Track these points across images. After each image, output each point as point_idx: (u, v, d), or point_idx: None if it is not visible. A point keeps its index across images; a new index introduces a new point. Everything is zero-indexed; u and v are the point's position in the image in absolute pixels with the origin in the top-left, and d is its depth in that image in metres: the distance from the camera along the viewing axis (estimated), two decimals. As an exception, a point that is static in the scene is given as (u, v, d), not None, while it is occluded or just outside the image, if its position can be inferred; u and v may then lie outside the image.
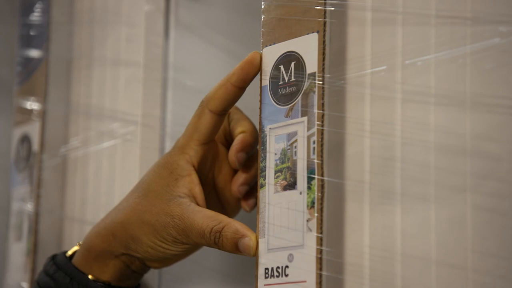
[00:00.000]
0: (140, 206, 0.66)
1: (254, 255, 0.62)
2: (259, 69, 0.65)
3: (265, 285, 0.62)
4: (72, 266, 0.68)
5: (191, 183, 0.66)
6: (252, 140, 0.69)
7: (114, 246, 0.66)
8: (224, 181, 0.70)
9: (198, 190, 0.66)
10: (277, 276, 0.61)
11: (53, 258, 0.70)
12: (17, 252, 0.99)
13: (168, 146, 0.86)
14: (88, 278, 0.67)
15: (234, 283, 0.80)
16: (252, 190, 0.70)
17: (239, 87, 0.65)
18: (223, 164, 0.70)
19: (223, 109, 0.66)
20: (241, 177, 0.69)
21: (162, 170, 0.66)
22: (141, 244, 0.65)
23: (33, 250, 0.96)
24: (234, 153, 0.68)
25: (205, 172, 0.69)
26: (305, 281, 0.59)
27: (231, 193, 0.69)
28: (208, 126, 0.66)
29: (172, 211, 0.64)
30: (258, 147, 0.64)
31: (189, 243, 0.64)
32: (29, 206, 0.97)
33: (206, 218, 0.63)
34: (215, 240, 0.62)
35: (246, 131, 0.68)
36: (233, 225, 0.62)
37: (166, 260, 0.69)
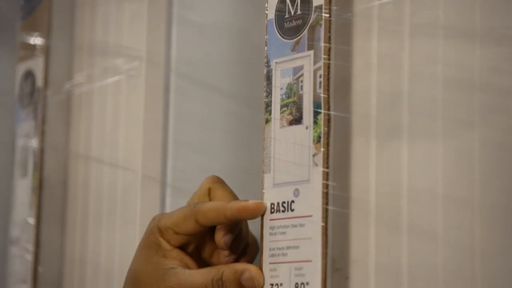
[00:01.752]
0: None
1: (260, 286, 0.61)
2: (255, 217, 0.63)
3: (270, 220, 0.62)
4: None
5: (179, 254, 0.64)
6: (240, 229, 0.65)
7: None
8: (210, 251, 0.67)
9: (188, 259, 0.65)
10: (283, 211, 0.61)
11: None
12: (23, 188, 1.00)
13: (173, 82, 0.86)
14: None
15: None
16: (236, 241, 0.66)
17: (231, 220, 0.63)
18: (206, 237, 0.67)
19: (207, 226, 0.64)
20: (224, 228, 0.65)
21: (147, 251, 0.65)
22: None
23: (39, 186, 0.96)
24: (220, 237, 0.64)
25: (189, 249, 0.66)
26: (311, 216, 0.58)
27: (219, 257, 0.66)
28: (188, 231, 0.64)
29: (169, 283, 0.62)
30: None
31: None
32: (34, 143, 0.97)
33: (204, 274, 0.62)
34: None
35: None
36: (231, 266, 0.61)
37: None
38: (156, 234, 0.64)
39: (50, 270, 0.96)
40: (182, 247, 0.65)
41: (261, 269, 0.62)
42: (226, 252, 0.65)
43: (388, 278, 0.57)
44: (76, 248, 0.95)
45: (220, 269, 0.61)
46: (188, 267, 0.63)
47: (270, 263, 0.61)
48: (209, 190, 0.66)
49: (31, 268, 0.94)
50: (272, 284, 0.61)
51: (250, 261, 0.65)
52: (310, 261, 0.58)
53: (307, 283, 0.58)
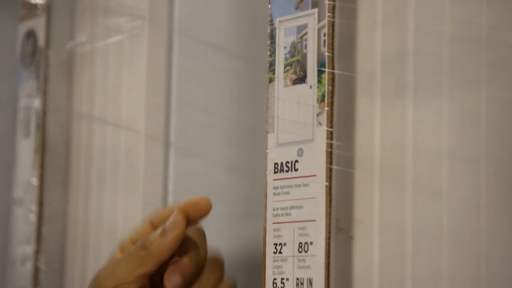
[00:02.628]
0: None
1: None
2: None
3: (274, 180, 0.61)
4: None
5: None
6: (191, 265, 0.62)
7: None
8: None
9: None
10: (287, 171, 0.60)
11: None
12: (25, 149, 0.99)
13: (176, 41, 0.85)
14: None
15: (244, 176, 0.79)
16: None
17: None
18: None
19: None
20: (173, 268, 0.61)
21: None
22: None
23: (41, 147, 0.96)
24: (167, 278, 0.60)
25: None
26: (315, 175, 0.58)
27: None
28: (145, 235, 0.62)
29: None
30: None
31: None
32: (36, 103, 0.97)
33: None
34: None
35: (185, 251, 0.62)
36: None
37: None
38: (116, 252, 0.64)
39: (54, 230, 0.96)
40: None
41: (264, 229, 0.62)
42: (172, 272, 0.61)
43: (393, 237, 0.57)
44: (80, 208, 0.95)
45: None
46: None
47: (273, 223, 0.61)
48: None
49: (35, 228, 0.94)
50: (275, 244, 0.60)
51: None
52: (314, 220, 0.58)
53: (311, 243, 0.58)
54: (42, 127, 0.96)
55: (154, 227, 0.63)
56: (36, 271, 0.94)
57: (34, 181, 0.96)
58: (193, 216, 0.62)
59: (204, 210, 0.62)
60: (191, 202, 0.62)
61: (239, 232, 0.78)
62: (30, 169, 0.97)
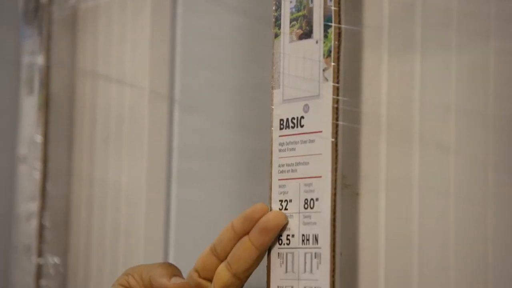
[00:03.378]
0: None
1: None
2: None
3: (280, 136, 0.61)
4: None
5: None
6: None
7: None
8: None
9: None
10: (292, 127, 0.60)
11: None
12: (29, 106, 0.99)
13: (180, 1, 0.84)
14: None
15: (249, 133, 0.79)
16: None
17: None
18: None
19: None
20: None
21: None
22: None
23: (45, 104, 0.95)
24: None
25: None
26: (321, 131, 0.58)
27: None
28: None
29: None
30: None
31: None
32: (40, 60, 0.96)
33: None
34: None
35: None
36: None
37: None
38: None
39: (58, 187, 0.96)
40: None
41: (270, 186, 0.61)
42: None
43: (399, 193, 0.57)
44: (84, 165, 0.95)
45: None
46: None
47: (279, 180, 0.61)
48: None
49: (39, 185, 0.94)
50: (281, 201, 0.60)
51: None
52: (320, 177, 0.58)
53: (317, 199, 0.58)
54: (45, 84, 0.95)
55: (216, 255, 0.61)
56: (41, 228, 0.94)
57: (38, 138, 0.95)
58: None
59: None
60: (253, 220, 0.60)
61: (244, 189, 0.78)
62: (34, 126, 0.97)
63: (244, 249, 0.59)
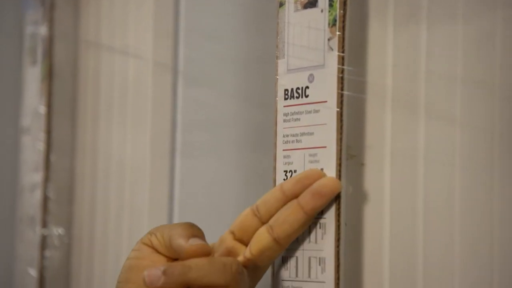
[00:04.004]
0: None
1: None
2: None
3: (284, 106, 0.61)
4: None
5: None
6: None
7: None
8: None
9: None
10: (297, 97, 0.60)
11: None
12: (32, 77, 0.99)
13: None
14: None
15: (253, 104, 0.79)
16: None
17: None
18: None
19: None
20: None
21: None
22: None
23: (48, 75, 0.95)
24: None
25: None
26: (325, 101, 0.57)
27: None
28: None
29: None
30: None
31: None
32: (43, 30, 0.95)
33: None
34: None
35: None
36: None
37: None
38: None
39: (62, 158, 0.96)
40: None
41: (275, 157, 0.61)
42: None
43: (404, 164, 0.57)
44: (88, 136, 0.95)
45: None
46: None
47: (283, 150, 0.60)
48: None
49: (43, 156, 0.94)
50: (286, 171, 0.60)
51: None
52: (324, 147, 0.57)
53: (322, 169, 0.57)
54: (49, 55, 0.95)
55: (258, 216, 0.58)
56: (45, 199, 0.94)
57: (42, 109, 0.95)
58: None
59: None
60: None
61: (249, 161, 0.77)
62: (37, 97, 0.96)
63: (292, 212, 0.56)
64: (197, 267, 0.54)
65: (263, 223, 0.57)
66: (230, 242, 0.59)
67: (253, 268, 0.58)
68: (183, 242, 0.56)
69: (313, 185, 0.56)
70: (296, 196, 0.56)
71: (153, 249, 0.58)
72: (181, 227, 0.57)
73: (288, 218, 0.56)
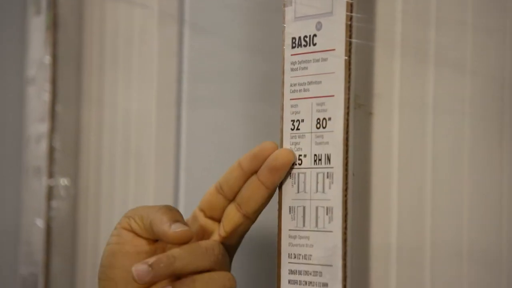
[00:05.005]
0: None
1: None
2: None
3: (292, 55, 0.60)
4: None
5: None
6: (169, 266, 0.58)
7: None
8: None
9: None
10: (305, 46, 0.59)
11: None
12: (37, 27, 0.98)
13: None
14: None
15: (260, 53, 0.78)
16: None
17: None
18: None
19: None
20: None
21: None
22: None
23: (53, 24, 0.94)
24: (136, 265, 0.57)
25: None
26: (334, 49, 0.57)
27: None
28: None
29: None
30: None
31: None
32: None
33: None
34: None
35: None
36: None
37: None
38: None
39: (68, 109, 0.96)
40: None
41: (282, 106, 0.60)
42: None
43: (413, 112, 0.56)
44: (93, 87, 0.95)
45: None
46: None
47: (291, 99, 0.60)
48: None
49: (49, 107, 0.94)
50: (293, 121, 0.59)
51: None
52: (332, 96, 0.57)
53: (329, 119, 0.57)
54: (53, 4, 0.94)
55: (223, 194, 0.60)
56: (51, 150, 0.94)
57: (47, 59, 0.95)
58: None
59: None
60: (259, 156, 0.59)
61: (256, 112, 0.77)
62: (42, 47, 0.96)
63: (254, 189, 0.59)
64: (181, 256, 0.56)
65: (229, 200, 0.60)
66: (202, 220, 0.62)
67: (227, 246, 0.61)
68: (166, 228, 0.57)
69: (268, 160, 0.58)
70: (255, 171, 0.59)
71: (134, 233, 0.60)
72: (161, 212, 0.58)
73: (252, 195, 0.59)
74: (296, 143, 0.59)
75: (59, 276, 0.94)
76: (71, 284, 0.94)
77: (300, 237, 0.57)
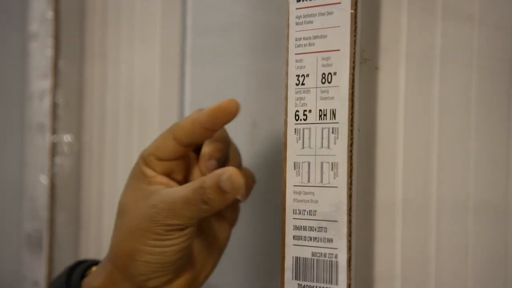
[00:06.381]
0: (124, 221, 0.61)
1: (240, 190, 0.56)
2: (231, 118, 0.59)
3: (297, 8, 0.59)
4: None
5: (165, 179, 0.62)
6: (223, 145, 0.63)
7: (116, 278, 0.61)
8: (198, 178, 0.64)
9: (174, 184, 0.62)
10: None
11: (68, 276, 0.66)
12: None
13: None
14: None
15: (264, 6, 0.77)
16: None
17: (207, 128, 0.59)
18: (193, 165, 0.64)
19: (187, 143, 0.61)
20: (206, 150, 0.63)
21: (132, 182, 0.62)
22: (138, 256, 0.59)
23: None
24: (204, 162, 0.62)
25: (177, 177, 0.63)
26: (339, 3, 0.56)
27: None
28: (169, 152, 0.61)
29: (152, 202, 0.59)
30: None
31: (181, 223, 0.58)
32: None
33: (186, 186, 0.58)
34: (202, 198, 0.57)
35: (216, 136, 0.63)
36: (212, 173, 0.57)
37: (176, 273, 0.62)
38: (140, 164, 0.62)
39: (71, 64, 0.95)
40: (170, 175, 0.63)
41: (287, 61, 0.60)
42: (206, 156, 0.63)
43: (420, 66, 0.55)
44: (96, 41, 0.94)
45: (201, 179, 0.58)
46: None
47: (296, 54, 0.59)
48: None
49: (51, 63, 0.93)
50: (298, 75, 0.59)
51: None
52: (338, 50, 0.56)
53: (335, 73, 0.56)
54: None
55: (177, 141, 0.61)
56: (54, 106, 0.94)
57: (49, 14, 0.94)
58: (220, 122, 0.60)
59: (231, 114, 0.59)
60: (217, 109, 0.59)
61: (260, 66, 0.76)
62: (44, 2, 0.95)
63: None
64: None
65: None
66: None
67: None
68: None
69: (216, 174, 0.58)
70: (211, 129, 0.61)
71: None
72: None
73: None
74: (300, 98, 0.58)
75: (64, 232, 0.94)
76: (76, 239, 0.94)
77: (305, 193, 0.57)
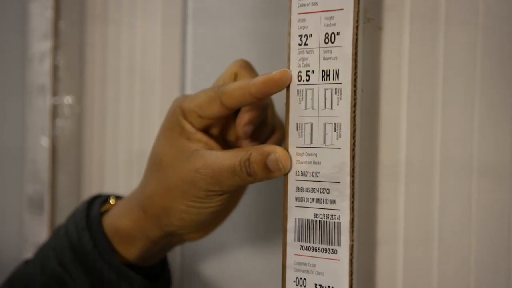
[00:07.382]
0: (161, 175, 0.61)
1: (286, 171, 0.57)
2: (282, 88, 0.58)
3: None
4: (101, 232, 0.65)
5: (204, 137, 0.61)
6: (261, 111, 0.63)
7: (146, 224, 0.63)
8: (235, 135, 0.65)
9: (213, 142, 0.61)
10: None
11: (89, 208, 0.67)
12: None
13: None
14: (112, 254, 0.64)
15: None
16: (257, 131, 0.64)
17: (258, 98, 0.58)
18: (231, 120, 0.64)
19: (234, 108, 0.60)
20: (245, 117, 0.63)
21: (170, 133, 0.61)
22: (174, 213, 0.61)
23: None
24: (241, 127, 0.62)
25: (214, 132, 0.63)
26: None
27: (243, 144, 0.65)
28: (213, 113, 0.60)
29: (195, 165, 0.59)
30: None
31: (223, 190, 0.59)
32: None
33: (231, 155, 0.58)
34: (247, 171, 0.57)
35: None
36: (259, 148, 0.57)
37: (204, 226, 0.65)
38: (179, 116, 0.61)
39: (71, 25, 0.95)
40: (206, 131, 0.62)
41: (289, 21, 0.59)
42: (248, 140, 0.64)
43: (424, 25, 0.55)
44: (97, 3, 0.93)
45: (248, 150, 0.58)
46: (213, 150, 0.61)
47: (298, 14, 0.58)
48: (236, 75, 0.63)
49: (52, 24, 0.93)
50: (300, 36, 0.58)
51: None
52: (341, 9, 0.55)
53: (338, 33, 0.55)
54: None
55: (224, 106, 0.60)
56: (55, 68, 0.93)
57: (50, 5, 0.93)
58: (271, 93, 0.59)
59: (283, 85, 0.58)
60: (270, 81, 0.58)
61: (262, 27, 0.75)
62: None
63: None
64: None
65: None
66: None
67: None
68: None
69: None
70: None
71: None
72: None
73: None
74: (303, 59, 0.58)
75: (65, 194, 0.94)
76: (77, 201, 0.94)
77: (308, 154, 0.57)
